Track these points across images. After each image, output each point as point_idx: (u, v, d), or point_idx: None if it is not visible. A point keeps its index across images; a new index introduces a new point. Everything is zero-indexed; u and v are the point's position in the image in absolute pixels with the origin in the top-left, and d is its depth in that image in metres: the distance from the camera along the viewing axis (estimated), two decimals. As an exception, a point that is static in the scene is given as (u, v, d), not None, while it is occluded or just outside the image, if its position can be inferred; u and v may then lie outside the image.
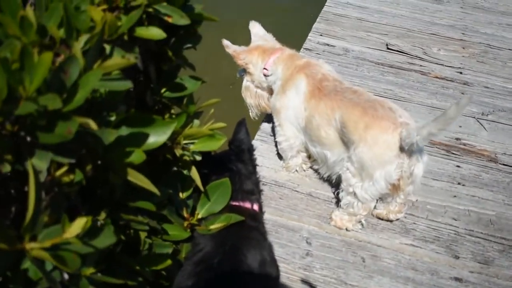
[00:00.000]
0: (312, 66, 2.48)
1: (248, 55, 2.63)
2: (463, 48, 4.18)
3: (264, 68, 2.60)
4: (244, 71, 2.71)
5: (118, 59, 0.84)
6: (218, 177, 1.73)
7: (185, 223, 1.26)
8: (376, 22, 4.45)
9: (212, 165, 1.78)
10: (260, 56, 2.62)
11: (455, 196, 2.71)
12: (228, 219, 1.32)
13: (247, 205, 1.72)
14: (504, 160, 3.00)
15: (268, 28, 2.77)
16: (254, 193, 1.78)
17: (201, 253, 1.50)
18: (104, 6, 0.89)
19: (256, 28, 2.75)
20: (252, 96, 2.78)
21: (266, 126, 3.07)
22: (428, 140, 2.06)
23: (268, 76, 2.60)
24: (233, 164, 1.81)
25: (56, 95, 0.70)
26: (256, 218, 1.72)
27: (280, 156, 2.79)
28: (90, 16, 0.84)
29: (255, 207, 1.74)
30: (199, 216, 1.28)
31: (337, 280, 2.24)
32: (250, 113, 2.89)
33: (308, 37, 4.08)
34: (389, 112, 2.16)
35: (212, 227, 1.30)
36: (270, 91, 2.69)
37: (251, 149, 1.89)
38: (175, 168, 1.27)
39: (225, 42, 2.59)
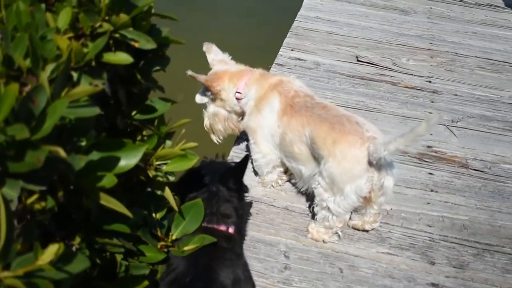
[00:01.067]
0: (285, 83, 2.50)
1: (220, 83, 2.62)
2: (431, 57, 4.27)
3: (237, 92, 2.60)
4: (209, 96, 2.71)
5: (85, 87, 0.86)
6: (195, 196, 1.75)
7: (159, 244, 1.27)
8: (346, 35, 4.52)
9: (194, 184, 1.81)
10: (230, 81, 2.61)
11: (428, 203, 2.76)
12: (201, 240, 1.33)
13: (222, 227, 1.74)
14: (475, 166, 3.06)
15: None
16: (231, 216, 1.80)
17: (173, 273, 1.51)
18: (70, 34, 0.91)
19: (213, 52, 2.74)
20: (221, 120, 2.77)
21: (240, 143, 3.09)
22: (395, 154, 2.09)
23: (241, 99, 2.61)
24: (214, 186, 1.83)
25: (23, 125, 0.71)
26: (230, 239, 1.74)
27: (255, 172, 2.80)
28: (56, 45, 0.85)
29: (231, 230, 1.76)
30: (174, 237, 1.29)
31: (316, 292, 2.26)
32: (213, 138, 2.89)
33: (280, 52, 4.13)
34: (356, 126, 2.19)
35: (186, 248, 1.30)
36: (240, 113, 2.71)
37: (239, 179, 1.91)
38: (149, 189, 1.28)
39: (190, 73, 2.56)
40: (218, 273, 1.57)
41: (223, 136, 2.89)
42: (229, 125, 2.79)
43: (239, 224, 1.82)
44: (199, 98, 2.76)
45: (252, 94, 2.55)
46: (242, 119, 2.70)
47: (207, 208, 1.73)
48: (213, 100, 2.70)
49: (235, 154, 3.03)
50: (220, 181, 1.84)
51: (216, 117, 2.77)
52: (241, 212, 1.86)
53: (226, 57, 2.75)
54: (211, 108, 2.74)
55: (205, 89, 2.68)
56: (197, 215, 1.33)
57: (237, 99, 2.62)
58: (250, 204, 1.98)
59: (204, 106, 2.78)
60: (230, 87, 2.62)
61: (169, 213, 1.34)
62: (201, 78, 2.59)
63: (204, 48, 2.74)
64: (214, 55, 2.73)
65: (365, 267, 2.38)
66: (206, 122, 2.81)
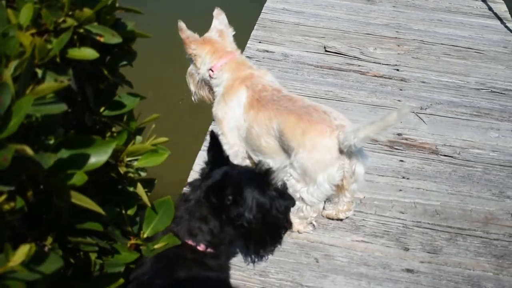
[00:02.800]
0: (255, 77, 2.49)
1: (199, 48, 2.59)
2: (398, 45, 4.31)
3: (211, 70, 2.58)
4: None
5: (50, 83, 0.84)
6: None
7: (129, 243, 1.25)
8: (313, 26, 4.54)
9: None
10: (209, 54, 2.59)
11: (400, 190, 2.79)
12: (169, 239, 1.32)
13: (190, 242, 1.66)
14: (445, 151, 3.11)
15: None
16: (198, 235, 1.68)
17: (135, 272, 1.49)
18: (33, 30, 0.89)
19: (219, 19, 2.69)
20: (195, 84, 2.76)
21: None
22: (365, 142, 2.10)
23: (213, 78, 2.60)
24: (199, 198, 1.72)
25: (-12, 124, 0.69)
26: (196, 252, 1.66)
27: (227, 165, 2.79)
28: (19, 42, 0.83)
29: (200, 247, 1.66)
30: (145, 235, 1.28)
31: (293, 282, 2.27)
32: (192, 96, 2.88)
33: (247, 45, 4.13)
34: (323, 115, 2.20)
35: (156, 246, 1.29)
36: (211, 89, 2.69)
37: (236, 199, 1.72)
38: (120, 186, 1.26)
39: (181, 24, 2.51)
40: (177, 272, 1.55)
41: (197, 98, 2.87)
42: (199, 91, 2.78)
43: (216, 244, 1.71)
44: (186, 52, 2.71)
45: (223, 81, 2.55)
46: (213, 91, 2.69)
47: (184, 219, 1.69)
48: (191, 60, 2.68)
49: (206, 147, 3.01)
50: (206, 194, 1.71)
51: (191, 78, 2.76)
52: (221, 235, 1.73)
53: (227, 30, 2.69)
54: (190, 66, 2.73)
55: (185, 45, 2.62)
56: (168, 213, 1.32)
57: (210, 76, 2.60)
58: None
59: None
60: (206, 59, 2.60)
61: (140, 211, 1.32)
62: (184, 34, 2.55)
63: (214, 13, 2.70)
64: (219, 23, 2.69)
65: (341, 256, 2.40)
66: (187, 78, 2.81)
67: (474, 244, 2.51)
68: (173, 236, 1.34)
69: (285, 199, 1.84)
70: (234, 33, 2.70)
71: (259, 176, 1.79)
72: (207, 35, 2.64)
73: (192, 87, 2.80)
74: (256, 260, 2.22)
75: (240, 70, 2.53)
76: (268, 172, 1.81)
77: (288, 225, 1.91)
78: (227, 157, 1.86)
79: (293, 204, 1.89)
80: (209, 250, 1.67)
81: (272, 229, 1.85)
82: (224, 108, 2.51)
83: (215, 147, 1.84)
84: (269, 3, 4.87)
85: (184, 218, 1.69)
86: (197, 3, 5.70)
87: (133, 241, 1.25)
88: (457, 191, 2.83)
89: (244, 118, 2.43)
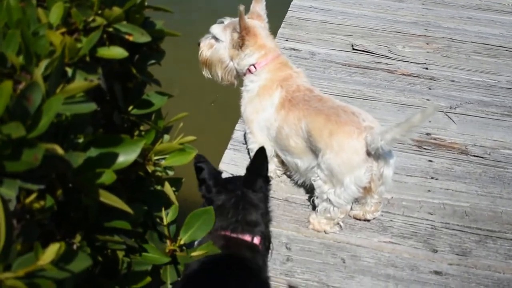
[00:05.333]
0: (292, 78, 2.47)
1: (252, 40, 2.52)
2: (427, 43, 4.26)
3: (254, 66, 2.53)
4: (231, 38, 2.58)
5: (80, 82, 0.84)
6: (223, 203, 1.69)
7: (167, 248, 1.25)
8: (340, 24, 4.51)
9: (220, 187, 1.74)
10: (257, 49, 2.53)
11: (429, 191, 2.76)
12: (208, 247, 1.31)
13: (247, 238, 1.68)
14: (475, 152, 3.06)
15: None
16: (258, 224, 1.72)
17: (186, 278, 1.48)
18: (63, 29, 0.89)
19: (259, 5, 2.64)
20: (222, 69, 2.68)
21: (238, 135, 3.08)
22: (392, 144, 2.08)
23: (251, 74, 2.55)
24: (240, 190, 1.76)
25: (19, 123, 0.69)
26: (253, 249, 1.68)
27: (253, 164, 2.79)
28: (49, 41, 0.84)
29: (256, 240, 1.70)
30: (181, 242, 1.27)
31: (319, 283, 2.25)
32: (204, 72, 2.79)
33: (275, 43, 4.11)
34: (352, 116, 2.18)
35: (193, 254, 1.29)
36: (238, 76, 2.67)
37: (267, 179, 1.86)
38: (151, 188, 1.26)
39: (242, 9, 2.39)
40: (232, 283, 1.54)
41: (214, 78, 2.79)
42: (227, 76, 2.70)
43: (265, 232, 1.76)
44: (219, 30, 2.63)
45: (261, 79, 2.51)
46: (239, 77, 2.66)
47: (232, 216, 1.69)
48: (232, 46, 2.58)
49: (233, 146, 3.02)
50: (246, 184, 1.77)
51: (220, 63, 2.66)
52: (268, 217, 1.80)
53: (263, 15, 2.64)
54: (222, 50, 2.63)
55: (234, 30, 2.54)
56: (208, 222, 1.31)
57: (249, 71, 2.56)
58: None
59: (211, 37, 2.67)
60: (252, 53, 2.54)
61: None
62: (245, 22, 2.46)
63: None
64: (259, 7, 2.63)
65: (368, 257, 2.38)
66: (206, 54, 2.69)
67: (505, 246, 2.46)
68: (212, 245, 1.33)
69: None
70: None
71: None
72: (250, 22, 2.55)
73: (218, 72, 2.71)
74: None
75: (281, 71, 2.50)
76: None
77: None
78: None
79: None
80: (261, 242, 1.69)
81: None
82: (256, 107, 2.50)
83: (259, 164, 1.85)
84: (296, 1, 4.85)
85: (233, 216, 1.68)
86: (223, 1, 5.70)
87: (170, 246, 1.25)
88: (487, 192, 2.78)
89: (274, 118, 2.42)
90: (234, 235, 1.66)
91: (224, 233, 1.64)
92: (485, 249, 2.45)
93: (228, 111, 3.38)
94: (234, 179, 1.85)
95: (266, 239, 1.77)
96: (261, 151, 1.81)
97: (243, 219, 1.69)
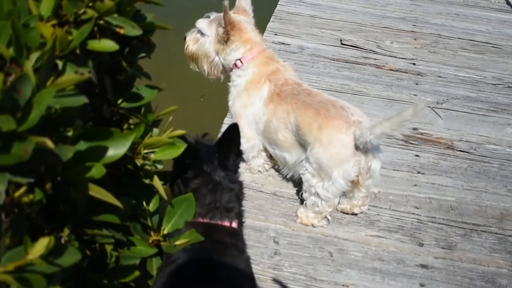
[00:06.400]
0: (280, 72, 2.46)
1: (237, 35, 2.50)
2: (415, 39, 4.28)
3: (240, 61, 2.51)
4: (216, 33, 2.55)
5: (71, 75, 0.84)
6: (199, 188, 1.68)
7: (151, 239, 1.25)
8: (329, 19, 4.52)
9: (194, 169, 1.71)
10: (243, 44, 2.51)
11: (415, 185, 2.77)
12: (191, 235, 1.31)
13: (226, 223, 1.67)
14: (461, 147, 3.08)
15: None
16: (234, 208, 1.69)
17: (174, 265, 1.48)
18: (54, 22, 0.88)
19: (244, 1, 2.62)
20: (208, 63, 2.64)
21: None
22: (381, 138, 2.08)
23: (238, 68, 2.53)
24: (216, 173, 1.75)
25: (9, 116, 0.68)
26: (234, 234, 1.68)
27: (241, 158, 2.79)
28: (39, 33, 0.83)
29: (234, 224, 1.69)
30: (165, 232, 1.27)
31: (307, 276, 2.26)
32: (191, 66, 2.75)
33: (263, 37, 4.09)
34: (341, 111, 2.19)
35: (177, 243, 1.29)
36: (225, 72, 2.65)
37: (240, 153, 1.83)
38: (139, 180, 1.26)
39: (226, 4, 2.36)
40: (220, 271, 1.54)
41: (201, 72, 2.75)
42: (213, 71, 2.67)
43: (240, 212, 1.75)
44: (204, 25, 2.59)
45: (248, 74, 2.49)
46: (225, 72, 2.64)
47: (210, 202, 1.68)
48: (218, 40, 2.55)
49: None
50: (220, 165, 1.72)
51: (206, 58, 2.63)
52: (242, 196, 1.80)
53: (249, 10, 2.62)
54: (207, 45, 2.59)
55: (219, 25, 2.51)
56: (189, 210, 1.31)
57: (235, 65, 2.54)
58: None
59: (196, 32, 2.64)
60: (238, 47, 2.51)
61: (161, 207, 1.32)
62: (230, 17, 2.44)
63: None
64: (244, 2, 2.61)
65: (355, 250, 2.39)
66: (192, 49, 2.66)
67: (489, 240, 2.49)
68: (195, 232, 1.33)
69: None
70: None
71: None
72: (235, 17, 2.52)
73: (204, 66, 2.67)
74: None
75: (268, 65, 2.49)
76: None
77: None
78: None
79: None
80: (238, 224, 1.69)
81: None
82: (245, 101, 2.49)
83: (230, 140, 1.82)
84: (285, -5, 4.84)
85: (211, 202, 1.67)
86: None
87: (154, 237, 1.25)
88: (473, 186, 2.80)
89: (263, 112, 2.41)
90: (213, 221, 1.64)
91: (203, 221, 1.63)
92: (470, 242, 2.47)
93: (217, 105, 3.37)
94: (207, 156, 1.80)
95: (241, 217, 1.77)
96: (233, 126, 1.80)
97: (221, 204, 1.67)
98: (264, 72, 2.46)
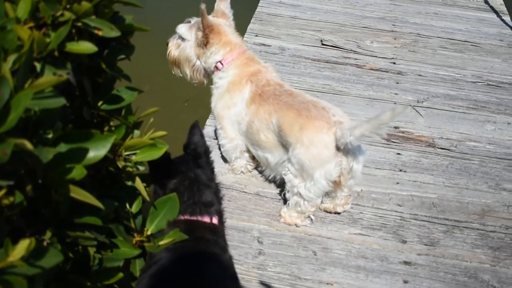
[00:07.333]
0: (261, 73, 2.47)
1: (216, 38, 2.50)
2: (395, 39, 4.31)
3: (220, 63, 2.52)
4: (195, 37, 2.55)
5: (49, 77, 0.84)
6: (176, 187, 1.69)
7: (134, 240, 1.25)
8: (309, 19, 4.53)
9: (170, 172, 1.72)
10: (222, 46, 2.51)
11: (398, 183, 2.80)
12: (175, 235, 1.31)
13: (206, 219, 1.68)
14: (441, 144, 3.11)
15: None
16: (213, 203, 1.72)
17: (156, 266, 1.48)
18: (31, 24, 0.88)
19: (223, 3, 2.62)
20: (190, 67, 2.65)
21: (209, 130, 3.07)
22: (361, 139, 2.09)
23: (219, 71, 2.53)
24: (192, 171, 1.76)
25: (-13, 118, 0.69)
26: (215, 231, 1.69)
27: (225, 159, 2.80)
28: (17, 35, 0.83)
29: (214, 220, 1.69)
30: (149, 232, 1.27)
31: (291, 275, 2.27)
32: (173, 71, 2.75)
33: (244, 38, 4.10)
34: (322, 111, 2.20)
35: (161, 243, 1.29)
36: (207, 75, 2.65)
37: (207, 152, 1.85)
38: (121, 182, 1.26)
39: (203, 8, 2.34)
40: (204, 269, 1.54)
41: (185, 77, 2.75)
42: (196, 75, 2.67)
43: (220, 210, 1.77)
44: (184, 30, 2.59)
45: (229, 76, 2.50)
46: (207, 76, 2.65)
47: (188, 199, 1.69)
48: (198, 44, 2.55)
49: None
50: (195, 163, 1.76)
51: (188, 62, 2.63)
52: (220, 194, 1.81)
53: (228, 13, 2.62)
54: (188, 49, 2.59)
55: (199, 29, 2.50)
56: (172, 210, 1.31)
57: (216, 68, 2.54)
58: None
59: (178, 37, 2.63)
60: (218, 50, 2.52)
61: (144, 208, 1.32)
62: (207, 20, 2.43)
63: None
64: (223, 6, 2.61)
65: (338, 249, 2.41)
66: (174, 54, 2.66)
67: (471, 236, 2.52)
68: (179, 232, 1.33)
69: None
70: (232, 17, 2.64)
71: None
72: (218, 21, 2.54)
73: (186, 71, 2.68)
74: None
75: (248, 66, 2.50)
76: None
77: None
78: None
79: None
80: (219, 220, 1.70)
81: None
82: (227, 103, 2.49)
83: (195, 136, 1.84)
84: (266, -4, 4.86)
85: (189, 199, 1.68)
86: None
87: (137, 238, 1.25)
88: (454, 183, 2.83)
89: (245, 112, 2.42)
90: (194, 218, 1.66)
91: (184, 218, 1.63)
92: (452, 239, 2.50)
93: (199, 107, 3.38)
94: (181, 159, 1.82)
95: (222, 216, 1.78)
96: (195, 125, 1.82)
97: (199, 200, 1.69)
98: (245, 73, 2.47)
